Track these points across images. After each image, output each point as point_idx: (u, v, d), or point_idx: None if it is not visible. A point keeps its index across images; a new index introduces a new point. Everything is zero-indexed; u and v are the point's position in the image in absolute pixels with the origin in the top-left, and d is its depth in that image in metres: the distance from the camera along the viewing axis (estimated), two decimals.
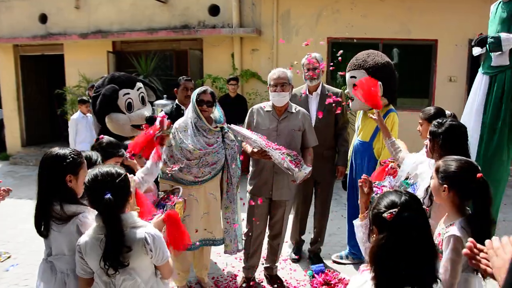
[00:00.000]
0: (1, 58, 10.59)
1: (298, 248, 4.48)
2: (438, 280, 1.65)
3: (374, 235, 1.66)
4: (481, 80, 4.03)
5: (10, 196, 2.91)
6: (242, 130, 3.44)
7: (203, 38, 8.94)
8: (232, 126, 3.47)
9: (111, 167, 2.11)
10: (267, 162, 3.51)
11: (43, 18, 9.97)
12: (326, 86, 4.17)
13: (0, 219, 5.53)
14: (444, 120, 2.58)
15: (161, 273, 2.20)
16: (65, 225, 2.22)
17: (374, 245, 1.62)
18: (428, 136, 2.61)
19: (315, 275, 2.50)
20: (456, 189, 2.05)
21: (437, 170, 2.15)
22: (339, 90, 4.17)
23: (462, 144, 2.52)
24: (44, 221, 2.27)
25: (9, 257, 4.65)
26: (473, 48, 4.12)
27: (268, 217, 3.78)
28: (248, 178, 3.73)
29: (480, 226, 1.95)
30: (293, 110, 3.64)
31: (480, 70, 4.08)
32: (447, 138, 2.49)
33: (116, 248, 1.98)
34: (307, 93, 4.11)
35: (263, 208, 3.68)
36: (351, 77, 3.99)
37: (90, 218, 2.22)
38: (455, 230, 1.99)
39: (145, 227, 2.10)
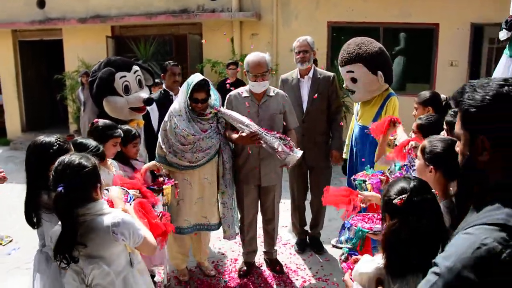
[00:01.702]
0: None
1: (301, 240, 4.42)
2: None
3: (386, 222, 1.69)
4: (506, 63, 3.96)
5: (11, 181, 2.92)
6: (234, 114, 3.37)
7: (203, 22, 8.87)
8: (223, 110, 3.41)
9: (78, 156, 1.99)
10: (252, 149, 3.48)
11: (41, 3, 9.87)
12: (318, 69, 4.11)
13: (1, 203, 5.55)
14: None
15: (144, 252, 2.13)
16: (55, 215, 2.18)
17: (387, 231, 1.65)
18: (444, 127, 2.51)
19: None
20: (442, 170, 2.03)
21: (422, 151, 2.12)
22: (331, 74, 4.10)
23: None
24: (34, 212, 2.24)
25: (10, 241, 4.69)
26: (499, 32, 4.01)
27: (259, 203, 3.78)
28: (233, 167, 3.64)
29: (463, 206, 1.96)
30: (272, 93, 3.58)
31: (506, 53, 3.99)
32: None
33: (66, 242, 1.90)
34: (299, 77, 4.05)
35: (253, 195, 3.68)
36: (348, 71, 3.90)
37: None
38: None
39: (111, 213, 2.01)
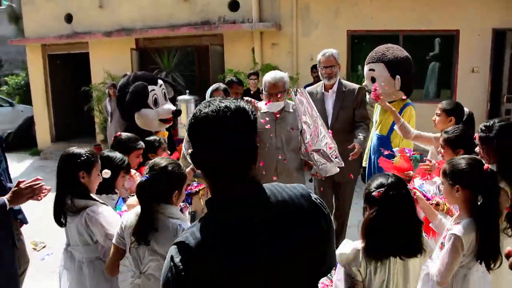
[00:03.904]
0: (30, 57, 10.98)
1: None
2: (424, 251, 1.98)
3: (367, 212, 1.99)
4: None
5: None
6: (310, 104, 3.32)
7: (224, 33, 9.05)
8: (302, 90, 3.42)
9: (169, 161, 2.21)
10: (270, 164, 3.37)
11: (69, 18, 10.25)
12: (344, 82, 4.03)
13: (34, 210, 5.79)
14: (492, 123, 2.47)
15: None
16: (76, 217, 2.39)
17: (366, 218, 1.96)
18: (478, 143, 2.52)
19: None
20: (468, 186, 2.13)
21: (444, 174, 2.22)
22: (356, 86, 3.98)
23: None
24: (62, 213, 2.45)
25: (44, 247, 4.91)
26: None
27: None
28: None
29: (487, 222, 2.08)
30: (291, 109, 3.46)
31: None
32: (501, 141, 2.39)
33: (142, 225, 2.11)
34: (323, 90, 3.98)
35: None
36: (370, 69, 4.02)
37: (99, 212, 2.35)
38: (458, 229, 2.12)
39: (181, 220, 2.18)
